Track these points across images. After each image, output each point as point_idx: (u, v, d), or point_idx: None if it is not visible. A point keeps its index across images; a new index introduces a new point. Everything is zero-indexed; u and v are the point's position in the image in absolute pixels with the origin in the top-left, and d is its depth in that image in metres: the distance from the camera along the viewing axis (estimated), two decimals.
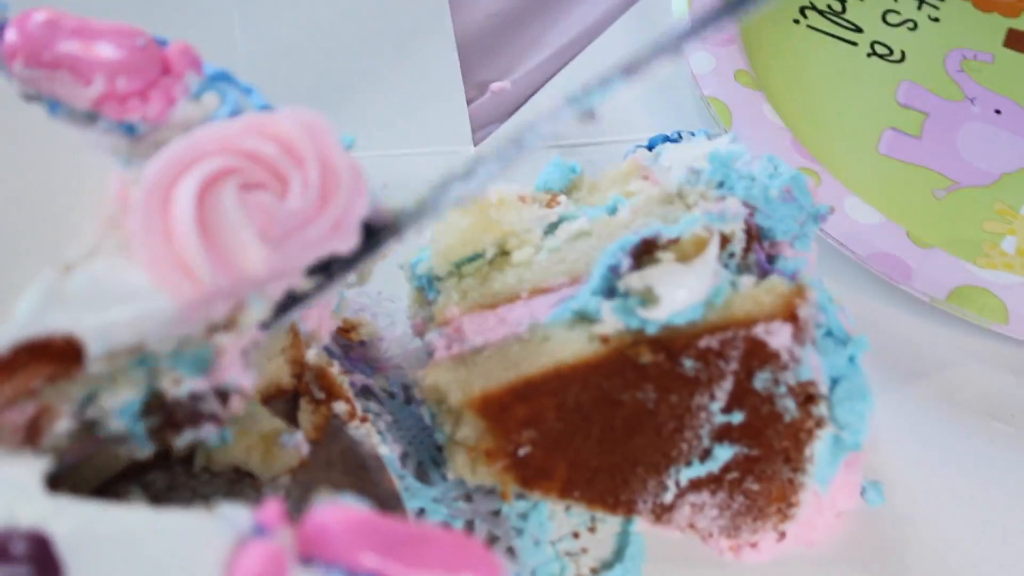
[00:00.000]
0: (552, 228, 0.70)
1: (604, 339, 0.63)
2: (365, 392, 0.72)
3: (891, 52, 0.96)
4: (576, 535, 0.69)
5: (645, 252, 0.65)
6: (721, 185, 0.68)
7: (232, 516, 0.48)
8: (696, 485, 0.65)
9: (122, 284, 0.53)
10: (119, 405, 0.57)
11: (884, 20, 0.98)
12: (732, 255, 0.65)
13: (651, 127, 0.85)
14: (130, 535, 0.46)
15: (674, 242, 0.65)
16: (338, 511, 0.49)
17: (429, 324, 0.70)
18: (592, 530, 0.69)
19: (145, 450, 0.59)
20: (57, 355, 0.53)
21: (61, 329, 0.52)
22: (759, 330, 0.62)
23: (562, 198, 0.72)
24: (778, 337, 0.62)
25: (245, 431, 0.63)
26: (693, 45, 0.54)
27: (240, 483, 0.64)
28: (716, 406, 0.63)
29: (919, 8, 0.99)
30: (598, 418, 0.64)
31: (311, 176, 0.55)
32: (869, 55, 0.96)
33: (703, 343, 0.62)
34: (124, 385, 0.56)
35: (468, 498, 0.68)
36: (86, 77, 0.57)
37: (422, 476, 0.69)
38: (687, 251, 0.64)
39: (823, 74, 0.94)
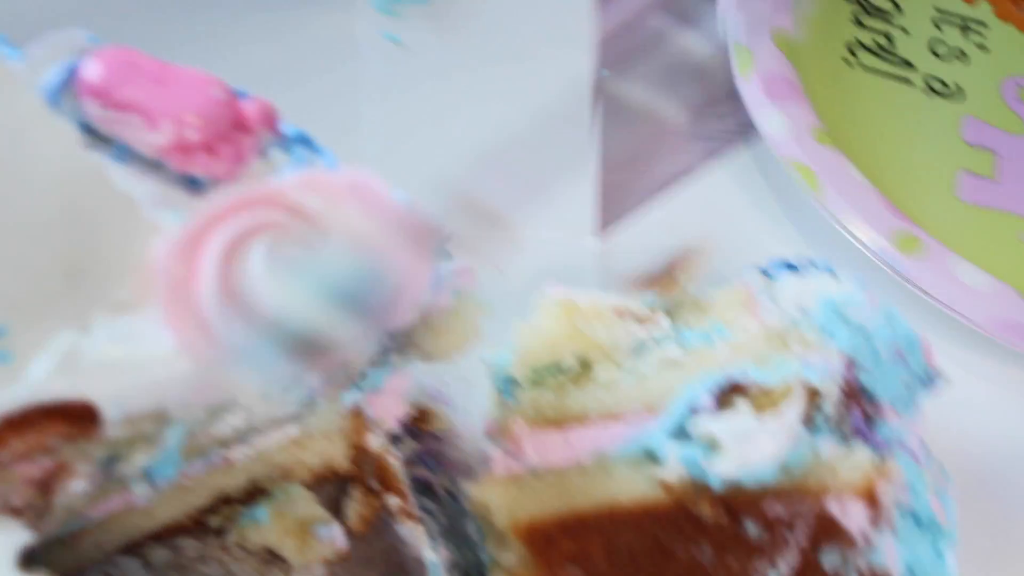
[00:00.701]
0: (642, 349, 0.66)
1: (667, 487, 0.59)
2: (426, 489, 0.69)
3: (947, 87, 0.91)
4: None
5: (732, 395, 0.60)
6: (825, 332, 0.62)
7: None
8: None
9: (144, 347, 0.52)
10: (146, 466, 0.55)
11: (933, 52, 0.93)
12: (826, 415, 0.60)
13: (744, 205, 0.80)
14: None
15: (766, 391, 0.60)
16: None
17: (497, 432, 0.66)
18: None
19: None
20: (72, 418, 0.52)
21: (75, 395, 0.51)
22: (832, 505, 0.56)
23: (662, 316, 0.67)
24: (852, 517, 0.56)
25: (282, 513, 0.61)
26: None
27: (271, 565, 0.62)
28: None
29: (964, 36, 0.95)
30: (649, 569, 0.60)
31: None
32: (926, 92, 0.91)
33: (769, 508, 0.57)
34: (151, 447, 0.55)
35: None
36: (155, 123, 0.56)
37: None
38: (776, 402, 0.60)
39: (886, 118, 0.89)
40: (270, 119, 0.58)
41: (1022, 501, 0.74)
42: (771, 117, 0.81)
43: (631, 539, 0.59)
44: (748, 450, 0.57)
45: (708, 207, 0.75)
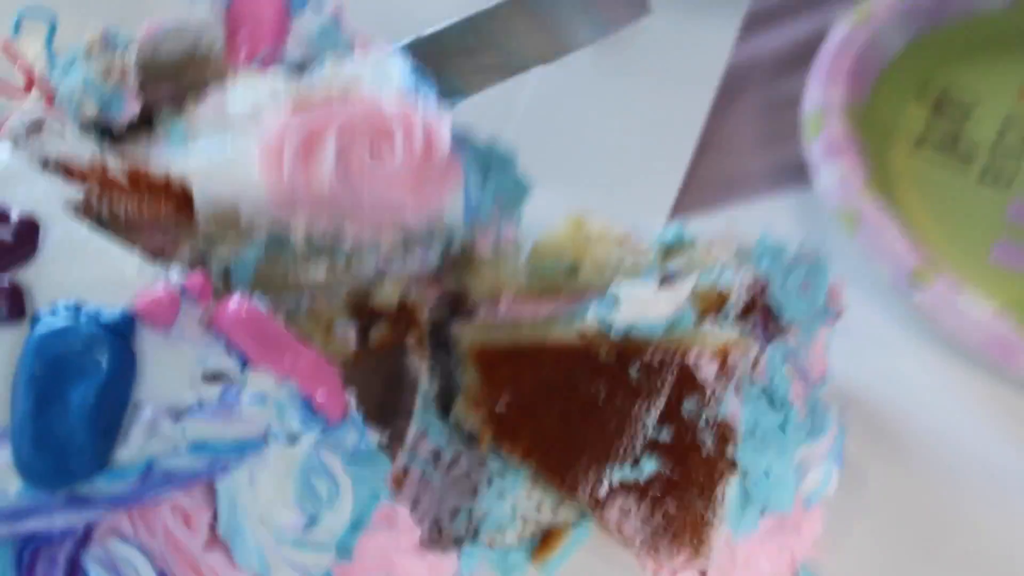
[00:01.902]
0: (625, 275, 0.83)
1: (583, 333, 0.76)
2: (437, 331, 0.86)
3: (1000, 179, 1.01)
4: (539, 509, 0.80)
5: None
6: (752, 260, 0.78)
7: (173, 273, 0.66)
8: (625, 488, 0.75)
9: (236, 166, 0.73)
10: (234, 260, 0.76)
11: (993, 152, 1.03)
12: (727, 312, 0.75)
13: (793, 229, 0.97)
14: (91, 250, 0.66)
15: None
16: (243, 303, 0.66)
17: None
18: (556, 510, 0.80)
19: None
20: (177, 198, 0.73)
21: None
22: (691, 358, 0.72)
23: (655, 251, 0.84)
24: (704, 369, 0.72)
25: (316, 311, 0.80)
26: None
27: None
28: (650, 420, 0.73)
29: None
30: (561, 398, 0.76)
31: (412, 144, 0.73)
32: (979, 181, 1.02)
33: (647, 356, 0.73)
34: (235, 243, 0.76)
35: (469, 441, 0.81)
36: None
37: (443, 415, 0.83)
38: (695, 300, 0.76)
39: (934, 190, 1.01)
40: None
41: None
42: (826, 171, 0.97)
43: (551, 372, 0.76)
44: (641, 308, 0.73)
45: (764, 225, 0.92)
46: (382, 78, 0.76)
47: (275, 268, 0.77)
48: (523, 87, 1.03)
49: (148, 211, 0.73)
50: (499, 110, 0.90)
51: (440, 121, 0.73)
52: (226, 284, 0.76)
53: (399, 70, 0.78)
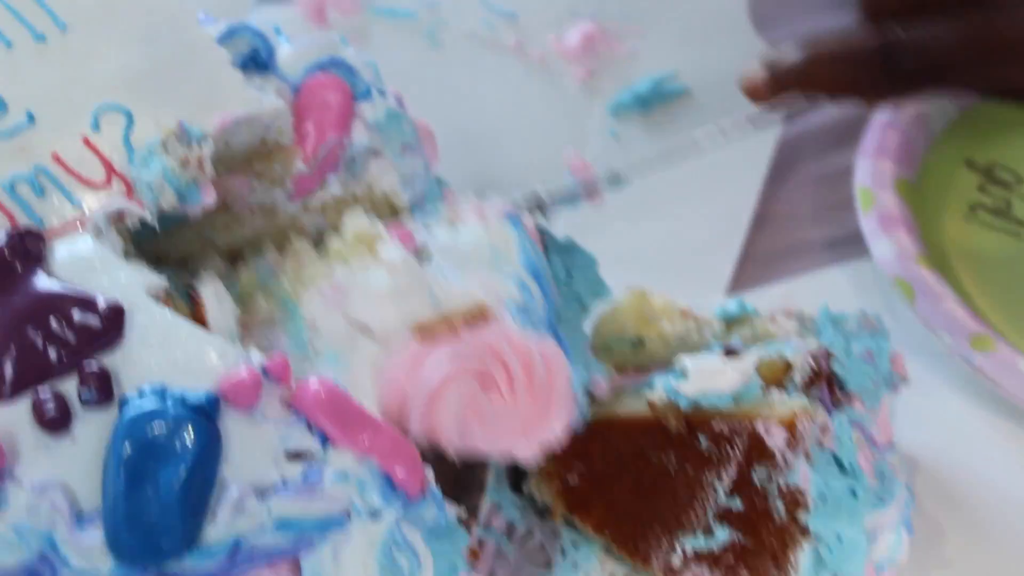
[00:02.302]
0: (690, 348, 0.84)
1: (652, 404, 0.77)
2: None
3: None
4: None
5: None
6: (815, 331, 0.79)
7: (254, 355, 0.68)
8: (698, 558, 0.76)
9: None
10: None
11: None
12: (794, 381, 0.76)
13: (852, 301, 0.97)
14: (174, 334, 0.68)
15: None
16: (323, 383, 0.68)
17: None
18: None
19: None
20: None
21: None
22: (759, 426, 0.73)
23: (719, 323, 0.85)
24: (774, 438, 0.73)
25: None
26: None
27: None
28: (721, 488, 0.75)
29: None
30: (632, 470, 0.77)
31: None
32: None
33: (716, 425, 0.75)
34: None
35: (543, 514, 0.83)
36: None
37: (515, 489, 0.84)
38: (761, 371, 0.77)
39: (987, 257, 1.02)
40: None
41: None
42: (882, 243, 0.99)
43: (620, 444, 0.78)
44: (709, 380, 0.75)
45: (821, 295, 0.93)
46: (499, 259, 0.77)
47: None
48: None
49: None
50: None
51: (558, 354, 0.74)
52: None
53: (516, 243, 0.78)
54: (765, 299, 0.92)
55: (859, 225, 1.00)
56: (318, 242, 0.81)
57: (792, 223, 1.07)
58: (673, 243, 1.04)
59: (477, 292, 0.73)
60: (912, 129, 1.06)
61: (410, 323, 0.73)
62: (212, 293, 0.73)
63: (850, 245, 1.02)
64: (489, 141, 1.10)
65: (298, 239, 0.81)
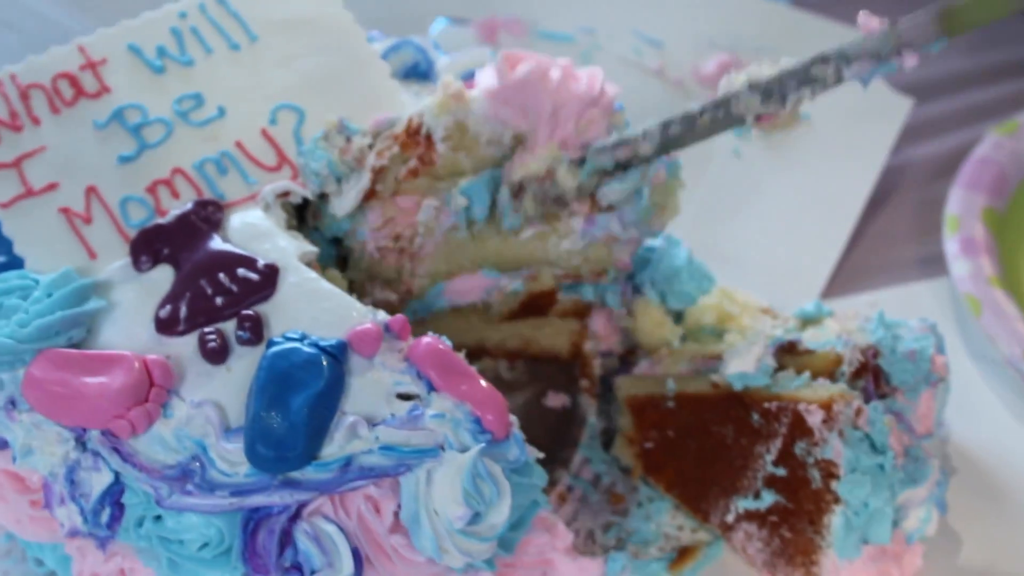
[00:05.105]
0: (765, 342, 0.96)
1: (715, 384, 0.90)
2: (604, 380, 1.03)
3: None
4: (680, 528, 0.94)
5: (788, 352, 0.91)
6: (867, 331, 0.91)
7: (380, 314, 0.82)
8: (749, 516, 0.89)
9: None
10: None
11: None
12: (842, 372, 0.88)
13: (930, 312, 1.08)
14: (317, 293, 0.83)
15: (809, 350, 0.90)
16: (434, 341, 0.82)
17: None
18: (694, 531, 0.94)
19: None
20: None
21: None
22: (801, 407, 0.86)
23: (794, 321, 0.97)
24: (813, 417, 0.85)
25: None
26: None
27: None
28: (769, 458, 0.87)
29: None
30: (697, 438, 0.91)
31: None
32: None
33: (767, 404, 0.87)
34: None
35: (624, 472, 0.97)
36: None
37: (605, 449, 0.98)
38: (816, 361, 0.90)
39: None
40: None
41: None
42: (960, 264, 1.09)
43: (689, 417, 0.91)
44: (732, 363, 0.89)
45: (905, 307, 1.04)
46: None
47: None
48: (703, 174, 1.19)
49: None
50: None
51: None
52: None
53: None
54: (851, 306, 1.04)
55: (944, 248, 1.11)
56: None
57: (886, 242, 1.19)
58: (779, 249, 1.16)
59: None
60: (1009, 165, 1.16)
61: None
62: None
63: (934, 265, 1.14)
64: None
65: None
